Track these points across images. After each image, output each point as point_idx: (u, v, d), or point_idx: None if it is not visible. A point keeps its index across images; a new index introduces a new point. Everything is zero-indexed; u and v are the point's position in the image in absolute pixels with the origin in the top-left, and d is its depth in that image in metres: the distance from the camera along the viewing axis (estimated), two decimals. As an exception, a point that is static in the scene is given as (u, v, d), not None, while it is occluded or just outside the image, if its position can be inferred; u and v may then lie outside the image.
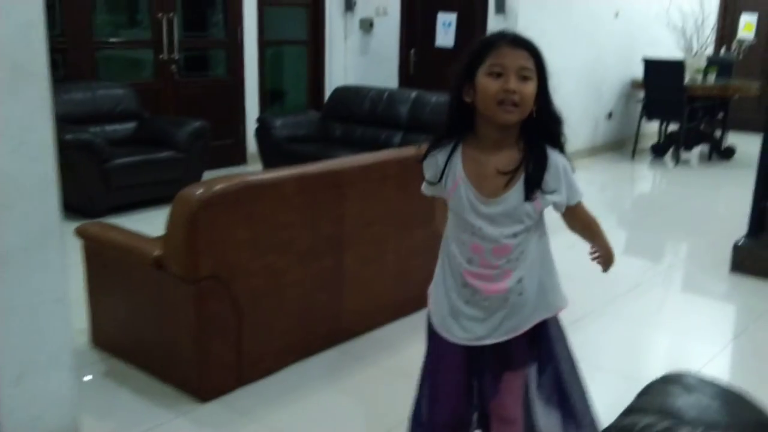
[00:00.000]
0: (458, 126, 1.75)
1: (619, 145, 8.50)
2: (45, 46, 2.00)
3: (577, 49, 7.43)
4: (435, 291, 1.90)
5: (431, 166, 1.80)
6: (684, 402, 1.30)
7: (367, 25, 7.62)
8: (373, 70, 7.58)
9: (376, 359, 3.13)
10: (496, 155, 1.71)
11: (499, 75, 1.63)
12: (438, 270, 1.90)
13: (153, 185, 5.39)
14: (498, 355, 1.86)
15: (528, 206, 1.72)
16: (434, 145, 1.79)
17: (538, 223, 1.80)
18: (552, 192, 1.73)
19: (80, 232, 2.96)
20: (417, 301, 3.60)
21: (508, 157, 1.71)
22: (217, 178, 2.72)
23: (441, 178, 1.77)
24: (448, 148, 1.76)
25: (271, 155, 5.94)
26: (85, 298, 3.07)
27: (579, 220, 1.89)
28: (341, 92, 6.31)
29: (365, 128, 5.84)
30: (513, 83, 1.63)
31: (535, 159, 1.69)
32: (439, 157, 1.77)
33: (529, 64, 1.65)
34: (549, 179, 1.71)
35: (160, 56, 6.36)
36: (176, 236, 2.59)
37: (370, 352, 3.18)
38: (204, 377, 2.71)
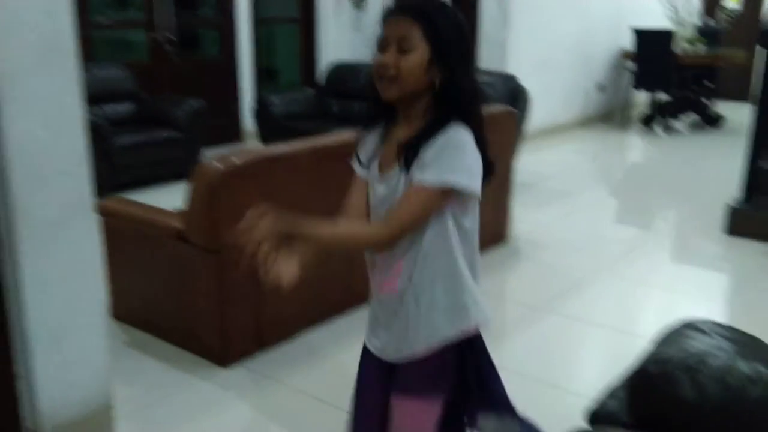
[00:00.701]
0: (379, 107, 1.55)
1: (610, 115, 8.62)
2: (72, 23, 2.07)
3: (568, 22, 7.52)
4: None
5: (363, 151, 1.65)
6: (702, 344, 1.42)
7: (358, 2, 7.64)
8: (365, 45, 7.62)
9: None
10: (403, 129, 1.53)
11: (384, 48, 1.47)
12: None
13: (154, 164, 5.47)
14: (397, 375, 1.62)
15: (406, 183, 1.48)
16: (366, 128, 1.64)
17: (437, 216, 1.50)
18: (422, 168, 1.45)
19: (100, 209, 3.04)
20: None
21: (412, 130, 1.50)
22: (233, 152, 2.81)
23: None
24: (379, 130, 1.61)
25: (270, 133, 6.01)
26: (105, 272, 3.15)
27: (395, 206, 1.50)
28: (337, 69, 6.37)
29: (362, 103, 5.90)
30: (388, 56, 1.45)
31: (423, 130, 1.48)
32: (369, 140, 1.63)
33: (413, 32, 1.44)
34: (426, 153, 1.45)
35: (154, 36, 6.38)
36: (197, 208, 2.68)
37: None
38: (226, 343, 2.82)
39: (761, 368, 1.07)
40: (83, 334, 2.28)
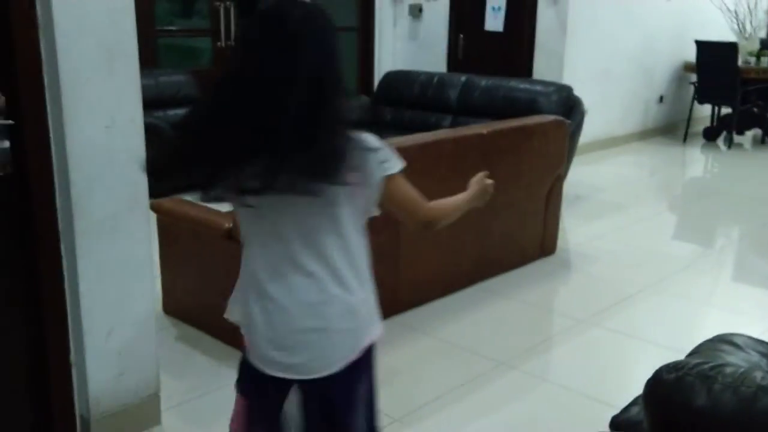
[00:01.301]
0: None
1: (671, 128, 8.43)
2: (134, 29, 2.18)
3: (629, 33, 7.40)
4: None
5: None
6: (735, 358, 1.41)
7: (416, 11, 7.71)
8: (421, 55, 7.68)
9: (429, 330, 3.27)
10: None
11: None
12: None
13: (212, 167, 5.63)
14: None
15: None
16: None
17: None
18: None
19: (155, 208, 3.17)
20: (468, 277, 3.74)
21: None
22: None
23: None
24: None
25: (324, 139, 6.10)
26: (158, 269, 3.28)
27: None
28: (391, 77, 6.43)
29: (415, 112, 5.95)
30: None
31: None
32: None
33: None
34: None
35: (218, 44, 6.58)
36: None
37: (424, 324, 3.33)
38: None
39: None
40: (134, 326, 2.39)
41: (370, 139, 1.45)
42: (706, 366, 1.14)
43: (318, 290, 1.43)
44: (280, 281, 1.45)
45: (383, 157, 1.46)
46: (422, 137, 3.53)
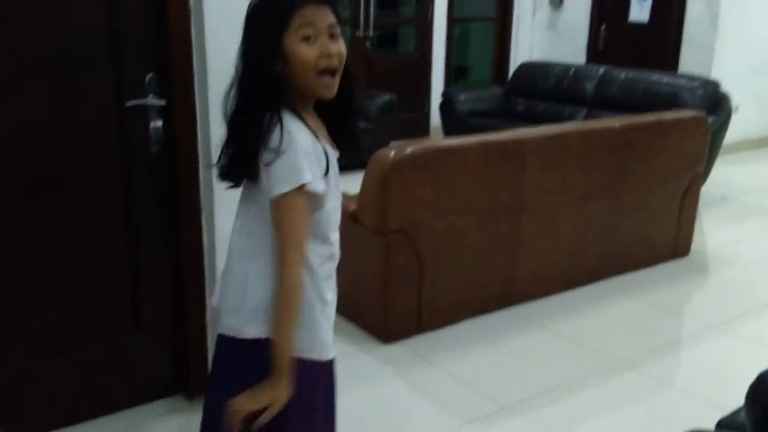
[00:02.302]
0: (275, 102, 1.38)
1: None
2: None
3: (789, 25, 6.84)
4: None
5: (310, 156, 1.36)
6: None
7: (557, 1, 7.54)
8: (559, 46, 7.51)
9: (546, 323, 3.25)
10: (317, 124, 1.45)
11: (315, 39, 1.35)
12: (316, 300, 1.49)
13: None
14: None
15: None
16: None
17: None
18: None
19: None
20: (591, 274, 3.67)
21: (324, 122, 1.47)
22: (407, 142, 2.98)
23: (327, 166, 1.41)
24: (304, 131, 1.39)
25: (454, 128, 6.15)
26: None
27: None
28: (526, 68, 6.35)
29: (548, 104, 5.85)
30: (332, 46, 1.37)
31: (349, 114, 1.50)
32: (307, 140, 1.38)
33: (334, 18, 1.39)
34: None
35: (357, 33, 6.79)
36: (370, 193, 2.88)
37: (542, 317, 3.31)
38: (388, 321, 3.01)
39: None
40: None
41: (274, 139, 1.33)
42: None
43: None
44: None
45: (278, 169, 1.33)
46: (547, 129, 3.50)
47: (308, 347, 1.46)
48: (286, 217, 1.35)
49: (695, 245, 4.17)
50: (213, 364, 1.61)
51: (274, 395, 1.36)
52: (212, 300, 1.62)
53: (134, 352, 2.48)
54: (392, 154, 2.84)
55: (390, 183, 2.82)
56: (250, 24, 1.40)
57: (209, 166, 1.38)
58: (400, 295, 3.00)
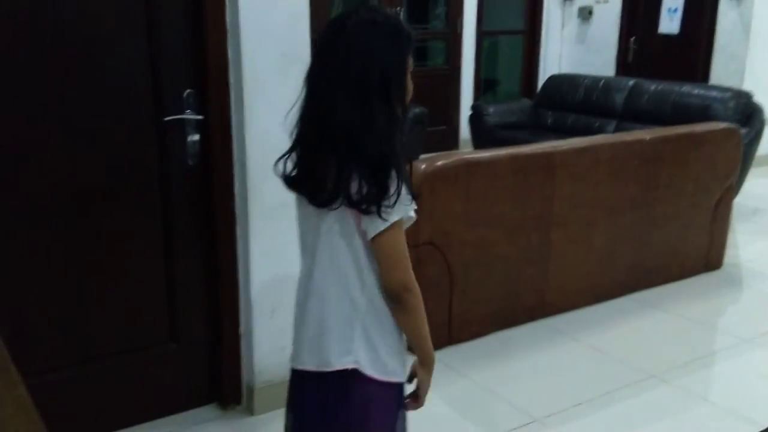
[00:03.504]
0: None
1: None
2: (309, 34, 2.39)
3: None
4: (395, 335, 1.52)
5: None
6: None
7: (585, 13, 7.54)
8: (588, 58, 7.50)
9: (577, 336, 3.24)
10: None
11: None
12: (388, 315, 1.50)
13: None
14: None
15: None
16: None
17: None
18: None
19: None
20: (622, 287, 3.65)
21: None
22: (438, 155, 3.01)
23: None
24: None
25: (483, 141, 6.17)
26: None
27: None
28: (555, 80, 6.36)
29: (578, 116, 5.85)
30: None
31: None
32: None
33: None
34: None
35: (385, 47, 6.86)
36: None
37: (572, 329, 3.30)
38: (418, 333, 3.02)
39: None
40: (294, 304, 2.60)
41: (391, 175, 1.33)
42: None
43: None
44: None
45: (384, 209, 1.33)
46: (579, 141, 3.50)
47: (401, 372, 1.53)
48: (398, 240, 1.39)
49: (728, 258, 4.12)
50: (293, 404, 1.61)
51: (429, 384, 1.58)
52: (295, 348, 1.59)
53: (170, 361, 2.53)
54: (423, 167, 2.87)
55: (421, 195, 2.83)
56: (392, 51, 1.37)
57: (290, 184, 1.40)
58: (431, 306, 2.99)
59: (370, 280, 1.44)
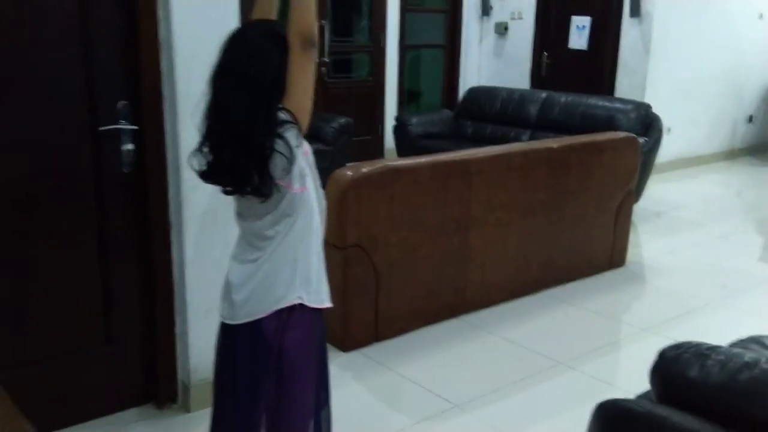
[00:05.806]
0: None
1: (761, 149, 8.26)
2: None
3: (717, 51, 7.34)
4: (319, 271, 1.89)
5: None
6: (754, 353, 1.57)
7: (502, 29, 7.93)
8: (505, 72, 7.88)
9: (493, 329, 3.49)
10: None
11: None
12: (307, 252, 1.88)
13: (302, 174, 6.03)
14: None
15: None
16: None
17: None
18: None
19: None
20: (535, 284, 3.93)
21: None
22: (363, 162, 3.20)
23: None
24: None
25: (407, 150, 6.41)
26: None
27: None
28: (474, 92, 6.68)
29: (495, 126, 6.17)
30: None
31: None
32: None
33: None
34: None
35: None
36: (329, 210, 3.08)
37: (490, 324, 3.55)
38: (347, 331, 3.20)
39: (763, 358, 1.25)
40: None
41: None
42: (703, 347, 1.34)
43: None
44: None
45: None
46: (492, 149, 3.77)
47: (323, 298, 1.86)
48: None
49: (631, 256, 4.48)
50: (221, 355, 1.85)
51: None
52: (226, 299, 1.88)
53: (106, 363, 2.61)
54: (349, 173, 3.05)
55: (348, 201, 3.03)
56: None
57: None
58: (358, 306, 3.20)
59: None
